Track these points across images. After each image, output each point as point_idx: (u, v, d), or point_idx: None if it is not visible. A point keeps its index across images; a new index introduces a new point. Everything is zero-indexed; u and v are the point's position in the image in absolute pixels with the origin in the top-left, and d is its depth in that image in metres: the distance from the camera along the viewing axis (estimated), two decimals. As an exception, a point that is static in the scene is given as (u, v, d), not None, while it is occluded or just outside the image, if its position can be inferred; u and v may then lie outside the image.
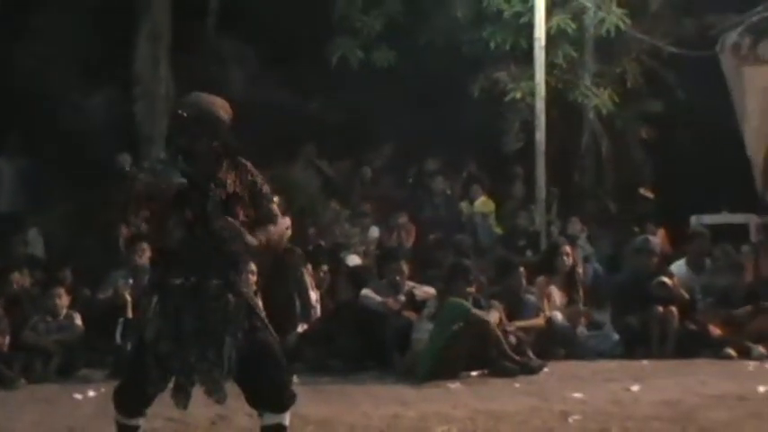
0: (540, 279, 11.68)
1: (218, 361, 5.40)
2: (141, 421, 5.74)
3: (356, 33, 16.20)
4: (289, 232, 5.73)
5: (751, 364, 10.57)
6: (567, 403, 8.47)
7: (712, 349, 10.98)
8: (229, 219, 5.32)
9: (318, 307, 11.19)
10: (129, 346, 5.85)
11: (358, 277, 11.23)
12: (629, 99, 16.52)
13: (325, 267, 11.74)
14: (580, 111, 15.92)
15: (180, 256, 5.41)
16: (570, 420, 7.84)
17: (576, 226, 14.57)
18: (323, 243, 13.09)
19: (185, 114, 5.44)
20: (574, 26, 15.33)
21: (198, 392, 5.61)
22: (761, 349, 10.87)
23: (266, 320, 5.63)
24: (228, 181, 5.46)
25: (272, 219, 5.56)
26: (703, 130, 15.95)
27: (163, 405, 5.82)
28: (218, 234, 5.35)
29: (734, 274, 12.00)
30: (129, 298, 10.41)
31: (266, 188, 5.59)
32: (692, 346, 11.05)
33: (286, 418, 5.62)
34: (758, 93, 16.41)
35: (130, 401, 5.64)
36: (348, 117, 16.17)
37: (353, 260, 12.17)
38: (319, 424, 7.52)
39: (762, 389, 9.09)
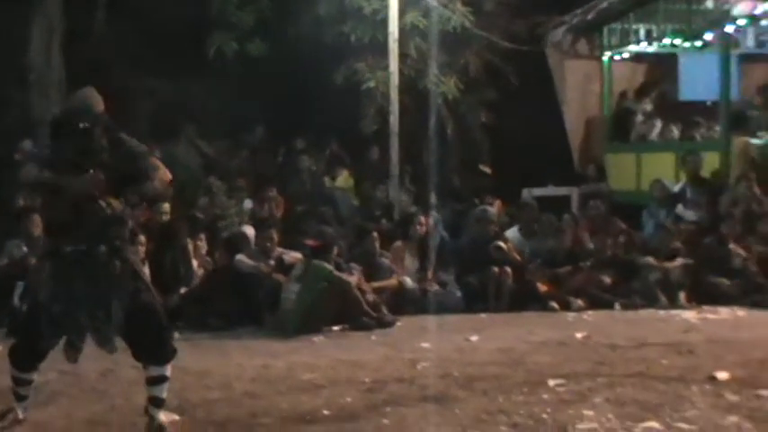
0: (395, 245, 11.78)
1: (107, 320, 5.40)
2: (34, 375, 5.72)
3: (232, 27, 16.05)
4: (169, 176, 5.72)
5: (570, 315, 10.87)
6: (416, 352, 8.59)
7: (539, 303, 11.21)
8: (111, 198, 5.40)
9: (198, 272, 11.14)
10: (24, 308, 5.77)
11: (233, 244, 11.17)
12: (471, 87, 16.66)
13: (203, 236, 11.69)
14: (429, 97, 15.98)
15: (69, 227, 5.39)
16: (419, 367, 7.96)
17: (427, 198, 14.71)
18: (202, 215, 12.98)
19: (74, 105, 5.49)
20: (424, 22, 15.40)
21: (87, 348, 5.59)
22: (579, 302, 11.17)
23: (149, 283, 5.66)
24: (110, 159, 5.49)
25: (155, 169, 5.64)
26: (533, 115, 16.19)
27: (55, 360, 5.79)
28: (103, 210, 5.37)
29: (557, 239, 12.28)
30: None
31: (142, 147, 5.68)
32: (522, 300, 11.25)
33: (167, 370, 5.65)
34: (577, 82, 16.85)
35: (25, 357, 5.61)
36: (225, 101, 16.02)
37: (249, 230, 12.07)
38: (198, 374, 7.50)
39: (579, 335, 9.43)
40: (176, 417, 6.04)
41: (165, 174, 5.69)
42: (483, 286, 11.30)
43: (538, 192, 15.60)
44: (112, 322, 5.42)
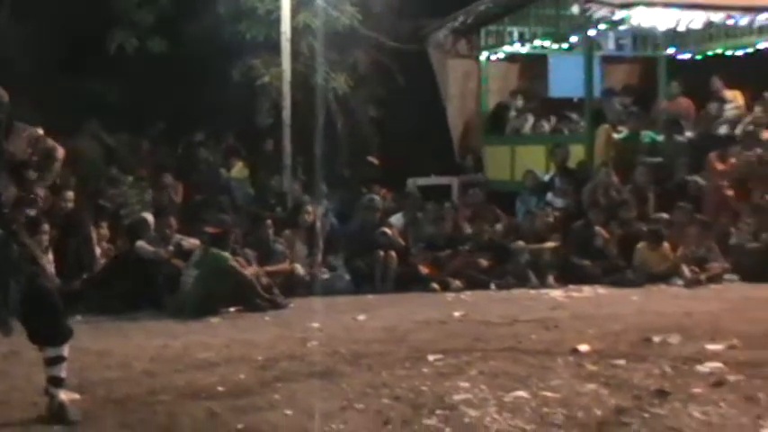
0: (286, 232, 11.76)
1: (4, 302, 5.31)
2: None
3: (133, 25, 15.81)
4: (62, 152, 5.66)
5: (450, 296, 11.00)
6: (307, 332, 8.61)
7: (422, 284, 11.32)
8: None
9: (101, 259, 10.99)
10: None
11: (134, 231, 11.03)
12: (360, 84, 16.69)
13: (105, 224, 11.53)
14: (321, 93, 15.97)
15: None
16: (309, 345, 8.00)
17: (318, 187, 14.71)
18: (106, 204, 12.79)
19: None
20: (315, 22, 15.36)
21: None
22: (458, 283, 11.30)
23: (45, 267, 5.59)
24: (12, 149, 5.42)
25: (53, 150, 5.61)
26: (417, 110, 16.30)
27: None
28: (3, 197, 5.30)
29: (438, 225, 12.40)
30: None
31: (37, 132, 5.60)
32: (406, 282, 11.36)
33: (64, 350, 5.58)
34: (458, 80, 17.00)
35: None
36: (127, 96, 15.77)
37: (150, 217, 11.88)
38: (99, 354, 7.42)
39: (457, 314, 9.56)
40: (76, 395, 5.95)
41: (61, 150, 5.66)
42: (370, 269, 11.38)
43: (421, 181, 15.69)
44: (9, 305, 5.33)
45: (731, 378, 6.53)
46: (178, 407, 5.92)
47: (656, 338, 7.89)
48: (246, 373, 6.85)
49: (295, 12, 14.62)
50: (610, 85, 16.79)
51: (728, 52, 15.99)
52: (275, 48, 14.64)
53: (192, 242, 10.68)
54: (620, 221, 12.46)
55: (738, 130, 14.64)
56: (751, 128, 14.57)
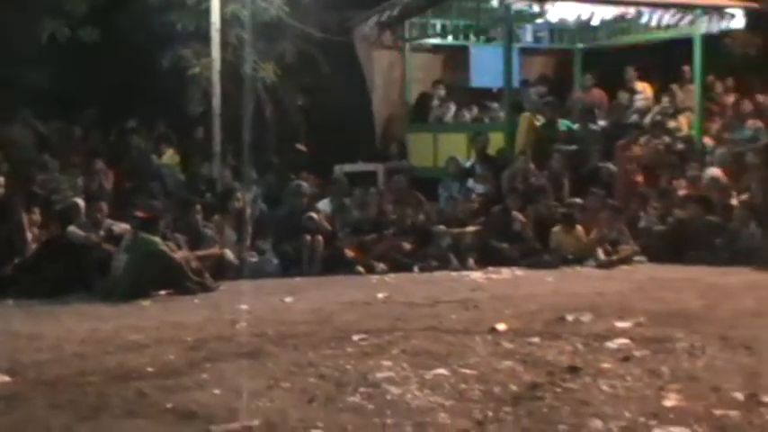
0: (215, 217, 11.69)
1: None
2: None
3: (65, 14, 15.54)
4: None
5: (374, 278, 11.04)
6: (236, 313, 8.59)
7: (347, 268, 11.33)
8: None
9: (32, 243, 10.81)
10: None
11: (65, 216, 10.88)
12: (287, 74, 16.63)
13: (36, 209, 11.34)
14: (249, 82, 15.87)
15: None
16: (237, 326, 7.98)
17: (247, 174, 14.64)
18: (37, 190, 12.60)
19: None
20: (244, 13, 15.25)
21: None
22: (382, 266, 11.35)
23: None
24: None
25: None
26: (344, 99, 16.29)
27: None
28: None
29: (364, 210, 12.42)
30: None
31: None
32: (332, 265, 11.37)
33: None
34: (382, 70, 16.99)
35: None
36: (59, 84, 15.51)
37: (81, 202, 11.70)
38: (30, 338, 7.34)
39: (380, 295, 9.60)
40: (7, 378, 5.89)
41: None
42: (297, 253, 11.38)
43: (348, 168, 15.67)
44: None
45: (637, 353, 6.68)
46: (108, 387, 5.87)
47: (570, 317, 8.00)
48: (176, 354, 6.81)
49: (224, 3, 14.50)
50: (528, 76, 16.97)
51: (639, 46, 16.22)
52: (205, 38, 14.51)
53: (122, 227, 10.58)
54: (536, 206, 12.60)
55: (647, 120, 14.92)
56: (659, 117, 14.91)
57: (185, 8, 15.12)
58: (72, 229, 10.46)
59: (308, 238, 11.36)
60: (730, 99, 15.66)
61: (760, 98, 15.18)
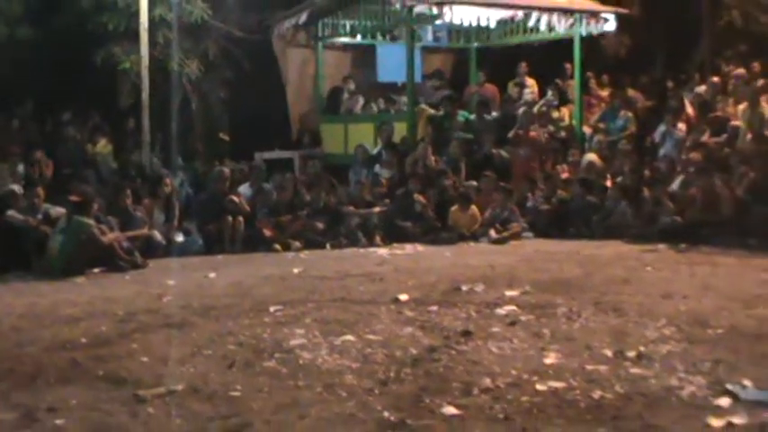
0: (146, 201, 11.53)
1: None
2: None
3: (3, 14, 15.13)
4: None
5: (290, 255, 11.00)
6: (163, 288, 8.50)
7: (266, 246, 11.26)
8: None
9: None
10: None
11: (4, 201, 10.60)
12: (211, 69, 16.49)
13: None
14: (176, 77, 15.67)
15: None
16: (164, 300, 7.88)
17: (175, 161, 14.50)
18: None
19: None
20: (171, 15, 15.05)
21: None
22: (297, 244, 11.32)
23: None
24: None
25: None
26: (262, 93, 16.18)
27: None
28: None
29: (281, 193, 12.34)
30: None
31: None
32: (252, 244, 11.29)
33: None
34: (297, 67, 16.96)
35: None
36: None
37: (19, 189, 11.42)
38: (-31, 314, 7.16)
39: (295, 270, 9.55)
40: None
41: None
42: (220, 233, 11.28)
43: (267, 155, 15.59)
44: None
45: (523, 318, 6.77)
46: (44, 357, 5.77)
47: (464, 287, 8.06)
48: (107, 326, 6.71)
49: (152, 5, 14.29)
50: (429, 72, 17.06)
51: (526, 45, 16.40)
52: (135, 37, 14.28)
53: (58, 210, 10.35)
54: (436, 189, 12.68)
55: (534, 111, 15.11)
56: (544, 109, 15.08)
57: (116, 10, 14.91)
58: (11, 212, 10.20)
59: (230, 219, 11.26)
60: (605, 93, 15.91)
61: (630, 92, 15.46)
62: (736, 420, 4.47)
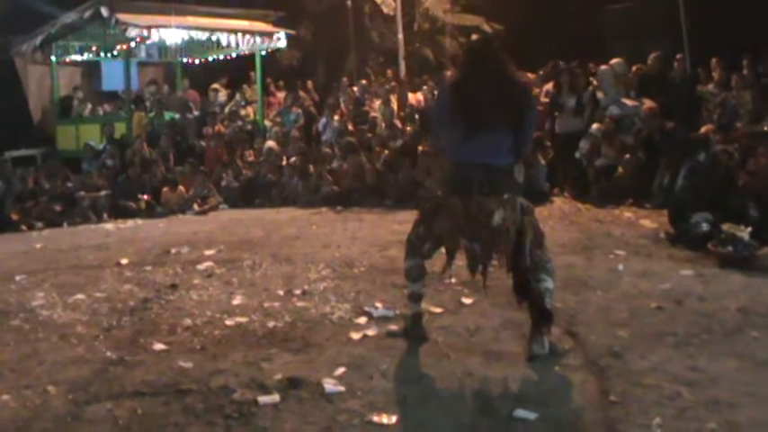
0: None
1: None
2: None
3: None
4: None
5: (34, 234, 10.20)
6: None
7: (13, 227, 10.56)
8: None
9: None
10: None
11: None
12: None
13: None
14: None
15: None
16: None
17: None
18: None
19: None
20: None
21: None
22: (40, 225, 10.70)
23: None
24: None
25: None
26: (7, 102, 14.80)
27: None
28: None
29: (25, 183, 11.50)
30: None
31: None
32: (2, 226, 10.51)
33: None
34: (36, 80, 16.04)
35: None
36: None
37: None
38: None
39: (38, 246, 8.86)
40: None
41: None
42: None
43: (14, 153, 14.37)
44: None
45: (218, 271, 6.73)
46: None
47: (173, 250, 7.90)
48: None
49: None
50: (145, 82, 16.59)
51: (220, 59, 16.38)
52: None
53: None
54: (151, 175, 12.33)
55: (226, 110, 15.20)
56: (234, 108, 15.22)
57: None
58: None
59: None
60: (281, 94, 16.16)
61: (300, 93, 15.71)
62: (370, 333, 4.69)
